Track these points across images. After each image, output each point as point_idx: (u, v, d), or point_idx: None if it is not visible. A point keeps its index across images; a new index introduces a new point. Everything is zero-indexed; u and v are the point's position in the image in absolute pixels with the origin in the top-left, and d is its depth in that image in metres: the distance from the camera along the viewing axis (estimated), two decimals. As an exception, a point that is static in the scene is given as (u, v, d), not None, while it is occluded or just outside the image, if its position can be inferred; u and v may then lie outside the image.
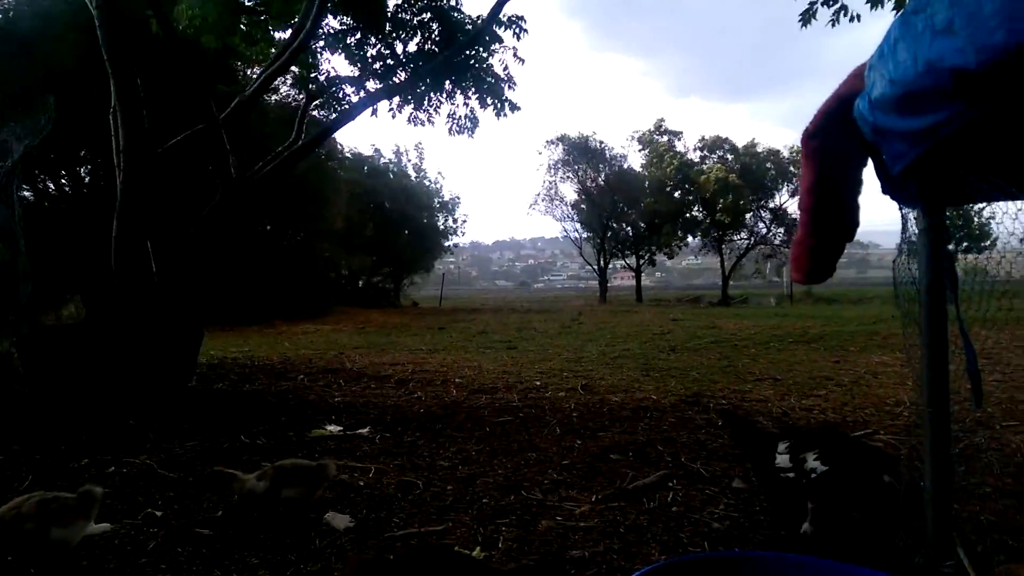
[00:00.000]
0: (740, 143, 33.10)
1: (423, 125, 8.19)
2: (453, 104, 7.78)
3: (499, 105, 7.62)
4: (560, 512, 3.16)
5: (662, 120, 34.83)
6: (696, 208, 33.14)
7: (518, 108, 7.67)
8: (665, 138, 33.82)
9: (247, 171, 6.90)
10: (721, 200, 31.06)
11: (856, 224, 1.76)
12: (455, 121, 8.51)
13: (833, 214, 1.72)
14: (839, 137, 1.59)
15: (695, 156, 33.50)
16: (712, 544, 2.73)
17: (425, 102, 7.56)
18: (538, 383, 7.00)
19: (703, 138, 33.60)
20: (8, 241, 6.45)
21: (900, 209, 1.81)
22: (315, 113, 10.58)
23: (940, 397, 1.75)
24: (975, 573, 1.88)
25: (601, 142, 33.78)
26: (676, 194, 33.18)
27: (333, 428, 5.01)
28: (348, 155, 27.70)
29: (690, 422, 4.96)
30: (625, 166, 34.38)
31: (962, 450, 2.82)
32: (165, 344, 5.81)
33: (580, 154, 33.54)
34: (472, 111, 7.98)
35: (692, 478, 3.65)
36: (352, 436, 4.79)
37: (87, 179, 16.74)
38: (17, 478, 3.69)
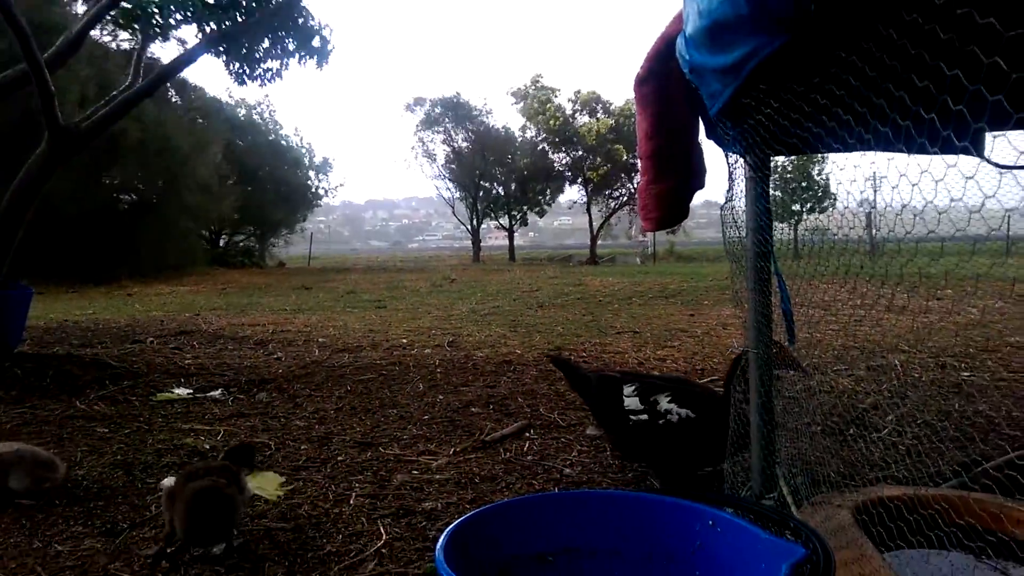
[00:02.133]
0: (617, 103, 33.52)
1: (244, 83, 7.69)
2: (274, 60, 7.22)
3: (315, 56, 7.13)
4: (416, 466, 3.13)
5: (539, 76, 34.78)
6: (568, 167, 33.53)
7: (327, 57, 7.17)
8: (543, 93, 33.77)
9: (79, 118, 6.27)
10: (598, 158, 31.66)
11: (703, 168, 1.79)
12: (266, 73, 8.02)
13: (675, 158, 1.74)
14: (670, 80, 1.60)
15: (569, 110, 33.54)
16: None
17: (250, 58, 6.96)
18: (404, 341, 6.92)
19: (578, 92, 33.73)
20: None
21: (725, 157, 1.86)
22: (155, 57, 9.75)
23: (764, 338, 1.84)
24: (794, 502, 2.01)
25: (467, 101, 33.49)
26: (550, 153, 33.47)
27: (182, 391, 4.73)
28: (209, 105, 25.91)
29: (551, 374, 5.06)
30: (497, 124, 34.30)
31: (796, 393, 3.02)
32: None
33: (446, 112, 33.10)
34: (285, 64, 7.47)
35: (549, 427, 3.73)
36: (203, 399, 4.54)
37: None
38: None
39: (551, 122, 32.31)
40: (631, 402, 2.77)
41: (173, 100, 19.89)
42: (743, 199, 1.80)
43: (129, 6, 5.88)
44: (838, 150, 1.69)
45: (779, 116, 1.40)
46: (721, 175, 2.13)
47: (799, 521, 1.22)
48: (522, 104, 33.86)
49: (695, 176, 1.92)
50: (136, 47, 6.59)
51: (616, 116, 32.40)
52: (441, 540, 1.16)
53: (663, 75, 1.61)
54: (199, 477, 2.18)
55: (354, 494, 2.78)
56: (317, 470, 3.09)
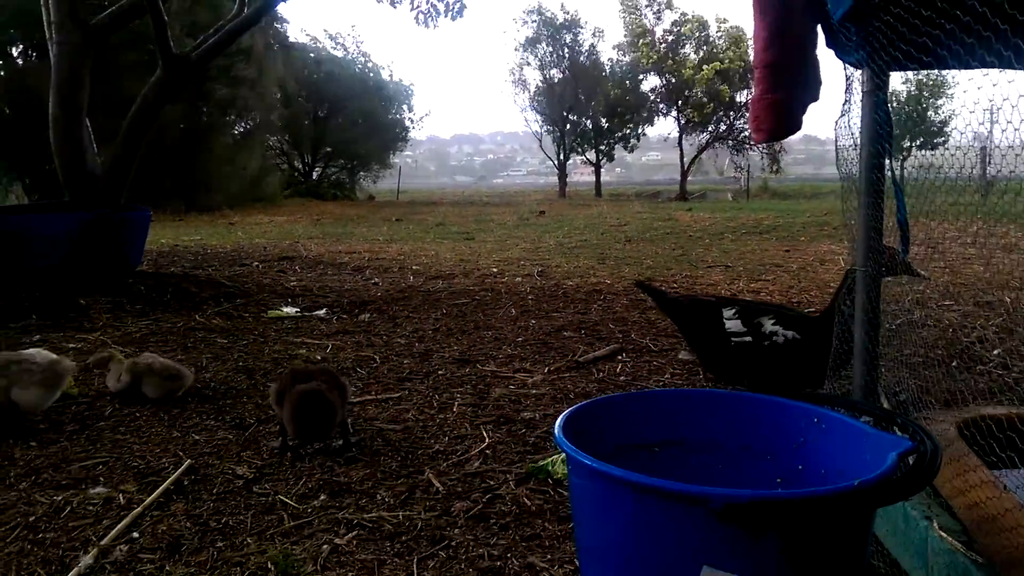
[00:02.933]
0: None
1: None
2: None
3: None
4: (513, 382, 3.27)
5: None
6: (662, 96, 32.32)
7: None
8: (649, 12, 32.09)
9: (190, 48, 6.54)
10: (704, 96, 30.44)
11: (819, 80, 1.76)
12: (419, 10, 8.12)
13: (791, 68, 1.72)
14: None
15: (667, 38, 31.98)
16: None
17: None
18: (495, 270, 7.06)
19: (678, 19, 32.07)
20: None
21: (844, 68, 1.82)
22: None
23: (874, 253, 1.82)
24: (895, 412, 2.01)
25: (576, 17, 32.42)
26: (645, 80, 32.37)
27: (290, 310, 5.02)
28: (303, 39, 26.40)
29: (642, 303, 5.09)
30: (594, 47, 33.17)
31: (899, 326, 2.96)
32: (110, 225, 5.66)
33: (551, 34, 32.25)
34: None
35: (641, 352, 3.79)
36: (309, 317, 4.82)
37: (19, 59, 15.72)
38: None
39: (644, 60, 30.98)
40: (733, 324, 2.78)
41: (269, 34, 20.28)
42: (859, 112, 1.77)
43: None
44: (964, 65, 1.62)
45: (908, 16, 1.36)
46: (828, 98, 2.08)
47: (907, 418, 1.25)
48: (627, 18, 32.35)
49: (810, 88, 1.87)
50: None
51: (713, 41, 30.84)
52: (560, 420, 1.26)
53: (785, -20, 1.58)
54: (304, 380, 2.37)
55: (456, 403, 2.94)
56: (420, 382, 3.28)
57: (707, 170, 44.74)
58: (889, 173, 1.72)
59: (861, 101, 1.80)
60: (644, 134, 34.60)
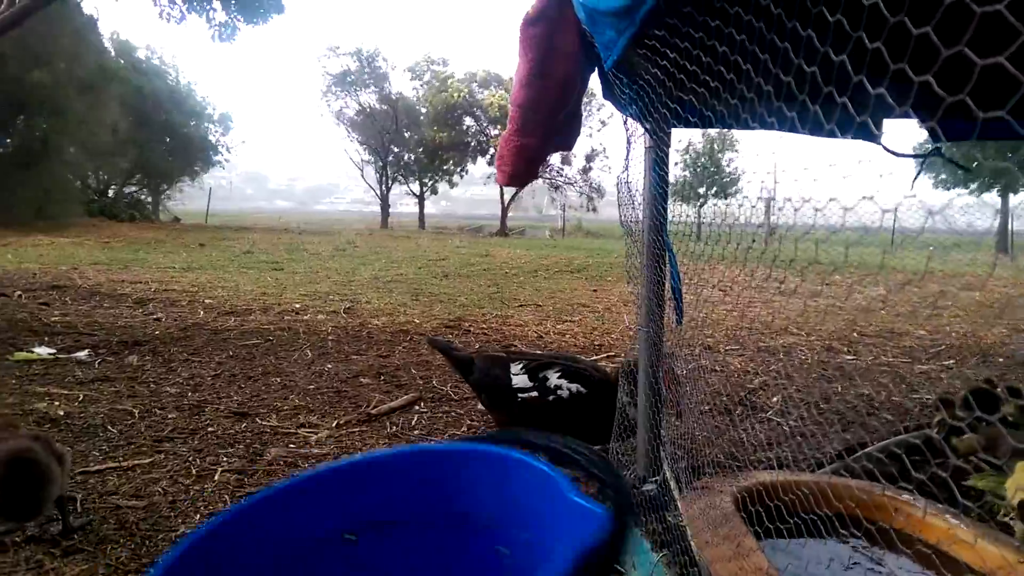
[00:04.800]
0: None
1: (176, 21, 7.18)
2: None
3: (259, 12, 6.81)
4: (294, 439, 2.94)
5: (431, 56, 33.98)
6: (478, 136, 33.18)
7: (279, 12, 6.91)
8: (445, 68, 33.18)
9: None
10: (499, 127, 31.47)
11: (576, 130, 1.67)
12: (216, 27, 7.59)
13: (547, 112, 1.61)
14: (560, 26, 1.47)
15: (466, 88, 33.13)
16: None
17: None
18: (298, 306, 6.62)
19: (475, 74, 33.32)
20: None
21: (624, 123, 1.76)
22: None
23: (655, 315, 1.77)
24: (677, 486, 1.96)
25: (385, 59, 32.57)
26: (460, 123, 32.98)
27: (43, 351, 4.32)
28: (108, 46, 24.03)
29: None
30: (403, 92, 33.52)
31: (689, 371, 3.01)
32: None
33: (361, 70, 32.09)
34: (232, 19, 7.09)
35: (440, 400, 3.61)
36: (66, 360, 4.16)
37: None
38: None
39: (455, 96, 31.75)
40: (519, 380, 2.69)
41: (65, 37, 18.26)
42: (639, 168, 1.71)
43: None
44: (743, 125, 1.61)
45: (676, 71, 1.29)
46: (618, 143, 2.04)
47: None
48: (420, 82, 33.29)
49: (563, 136, 1.79)
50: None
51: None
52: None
53: (554, 20, 1.47)
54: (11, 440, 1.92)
55: (220, 469, 2.57)
56: (183, 442, 2.85)
57: (526, 207, 46.30)
58: (665, 239, 1.67)
59: (644, 157, 1.75)
60: (466, 171, 35.17)
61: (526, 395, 2.67)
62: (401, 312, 6.46)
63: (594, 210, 34.74)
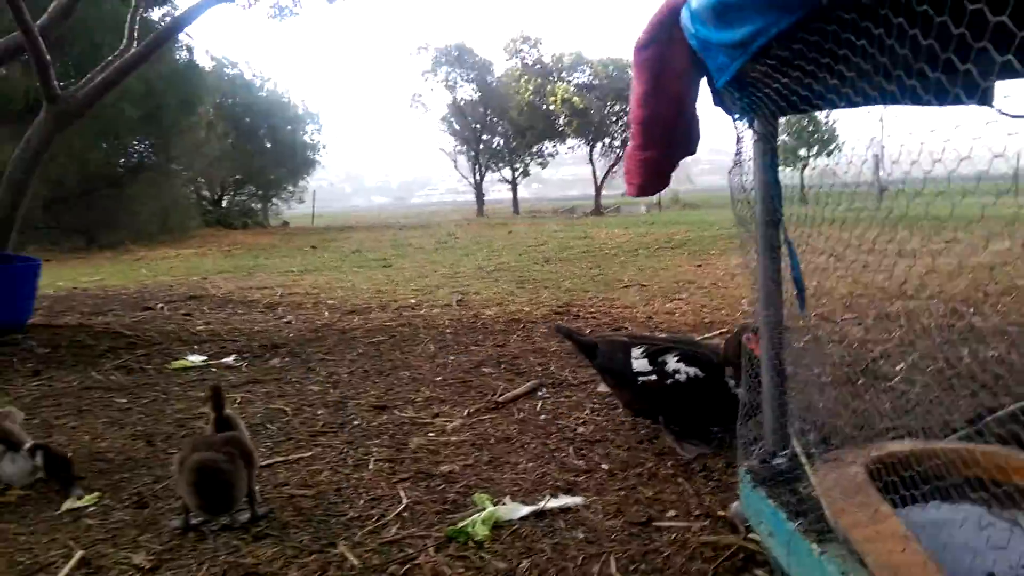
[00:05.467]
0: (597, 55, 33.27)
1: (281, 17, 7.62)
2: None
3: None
4: (432, 428, 3.18)
5: (526, 33, 34.19)
6: (563, 119, 33.23)
7: None
8: (531, 48, 33.28)
9: (76, 87, 6.19)
10: (572, 120, 31.58)
11: (696, 136, 1.78)
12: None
13: (665, 127, 1.73)
14: (671, 48, 1.58)
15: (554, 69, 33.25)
16: (577, 448, 2.85)
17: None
18: (413, 301, 6.95)
19: (561, 57, 33.32)
20: None
21: (733, 122, 1.85)
22: (153, 17, 9.55)
23: (774, 301, 1.85)
24: (807, 460, 2.04)
25: (471, 49, 32.99)
26: (544, 106, 33.09)
27: (196, 358, 4.78)
28: (209, 64, 25.53)
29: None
30: (495, 75, 33.82)
31: (805, 343, 3.04)
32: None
33: (451, 63, 32.65)
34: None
35: (560, 386, 3.77)
36: (216, 366, 4.60)
37: None
38: None
39: (524, 91, 32.03)
40: (639, 364, 2.81)
41: (167, 60, 19.55)
42: (751, 165, 1.79)
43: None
44: (849, 106, 1.67)
45: (789, 81, 1.38)
46: (724, 131, 2.11)
47: None
48: (514, 61, 33.54)
49: (684, 146, 1.90)
50: (131, 8, 6.46)
51: (600, 69, 32.23)
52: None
53: (664, 42, 1.58)
54: (205, 448, 2.23)
55: (372, 459, 2.83)
56: (335, 435, 3.15)
57: (618, 183, 45.76)
58: (782, 233, 1.75)
59: (752, 149, 1.83)
60: (556, 152, 35.22)
61: (645, 379, 2.80)
62: (510, 301, 6.67)
63: (689, 180, 34.01)
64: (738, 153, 1.84)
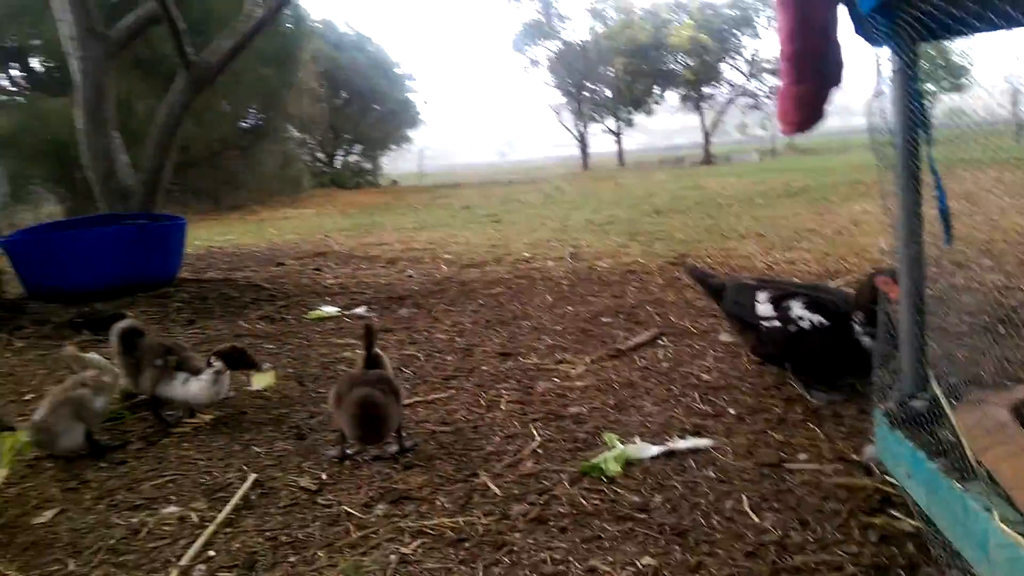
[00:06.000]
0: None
1: None
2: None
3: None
4: (556, 374, 3.31)
5: None
6: (672, 62, 32.15)
7: None
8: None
9: (202, 51, 6.60)
10: (692, 60, 30.38)
11: (841, 66, 1.76)
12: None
13: (816, 59, 1.72)
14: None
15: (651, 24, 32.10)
16: (703, 394, 2.89)
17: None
18: (527, 254, 7.09)
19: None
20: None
21: (874, 49, 1.81)
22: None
23: (914, 239, 1.82)
24: (947, 402, 2.02)
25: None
26: (650, 52, 32.11)
27: (330, 309, 5.10)
28: (316, 25, 26.34)
29: (677, 282, 5.09)
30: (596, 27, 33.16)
31: (940, 290, 2.93)
32: (149, 236, 5.79)
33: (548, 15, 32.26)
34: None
35: (681, 335, 3.80)
36: (350, 316, 4.90)
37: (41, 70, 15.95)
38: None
39: (640, 36, 30.94)
40: (764, 308, 2.80)
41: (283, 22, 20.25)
42: (890, 94, 1.76)
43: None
44: (993, 29, 1.62)
45: (933, 5, 1.34)
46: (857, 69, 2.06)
47: None
48: (600, 23, 32.68)
49: (834, 76, 1.88)
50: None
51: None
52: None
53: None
54: (361, 384, 2.43)
55: (503, 400, 2.99)
56: (466, 379, 3.33)
57: (728, 130, 44.01)
58: (930, 161, 1.72)
59: (891, 80, 1.79)
60: (661, 99, 34.22)
61: (768, 324, 2.79)
62: (623, 253, 6.69)
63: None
64: (878, 84, 1.80)
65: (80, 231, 6.01)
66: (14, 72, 15.76)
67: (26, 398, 3.43)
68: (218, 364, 2.87)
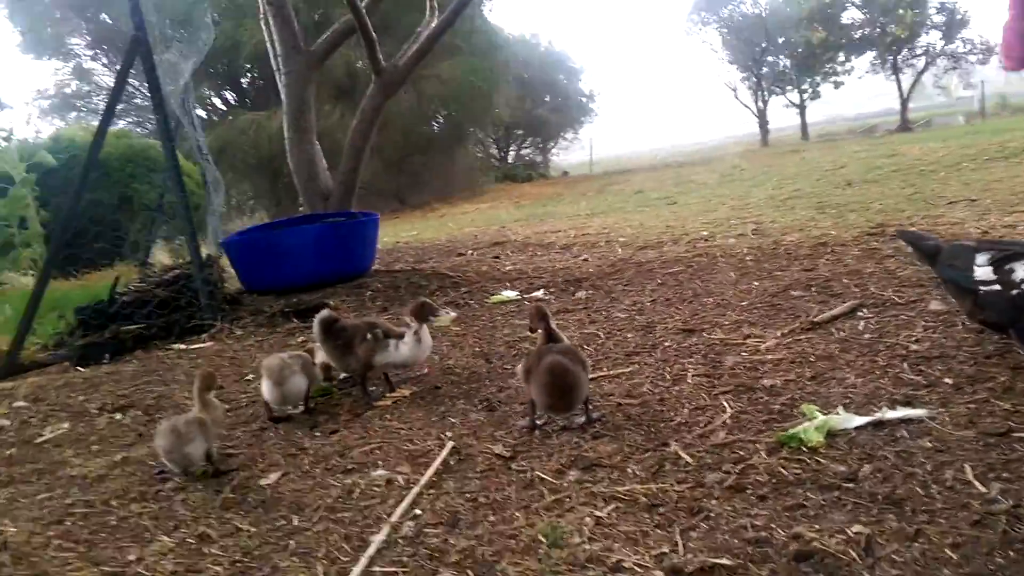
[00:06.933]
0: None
1: None
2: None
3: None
4: (745, 348, 3.18)
5: None
6: (867, 24, 29.51)
7: None
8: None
9: (395, 58, 7.01)
10: (900, 9, 27.64)
11: None
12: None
13: None
14: None
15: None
16: (912, 364, 2.65)
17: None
18: (704, 233, 6.86)
19: None
20: (196, 156, 7.11)
21: None
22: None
23: None
24: None
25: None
26: (838, 18, 29.72)
27: (510, 294, 5.25)
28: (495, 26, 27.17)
29: (876, 252, 4.70)
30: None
31: None
32: (348, 232, 6.26)
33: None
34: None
35: (884, 306, 3.51)
36: (529, 299, 5.01)
37: (250, 90, 17.82)
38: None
39: None
40: (983, 272, 2.51)
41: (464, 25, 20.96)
42: None
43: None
44: None
45: None
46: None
47: None
48: None
49: None
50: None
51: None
52: None
53: None
54: (549, 355, 2.48)
55: (689, 374, 2.92)
56: (648, 355, 3.29)
57: (928, 94, 39.75)
58: None
59: None
60: (852, 68, 31.59)
61: (988, 288, 2.49)
62: (812, 226, 6.28)
63: (1021, 79, 28.57)
64: None
65: (288, 230, 6.63)
66: (228, 94, 17.73)
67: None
68: (414, 323, 3.07)
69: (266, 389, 3.00)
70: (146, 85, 5.23)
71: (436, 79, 17.50)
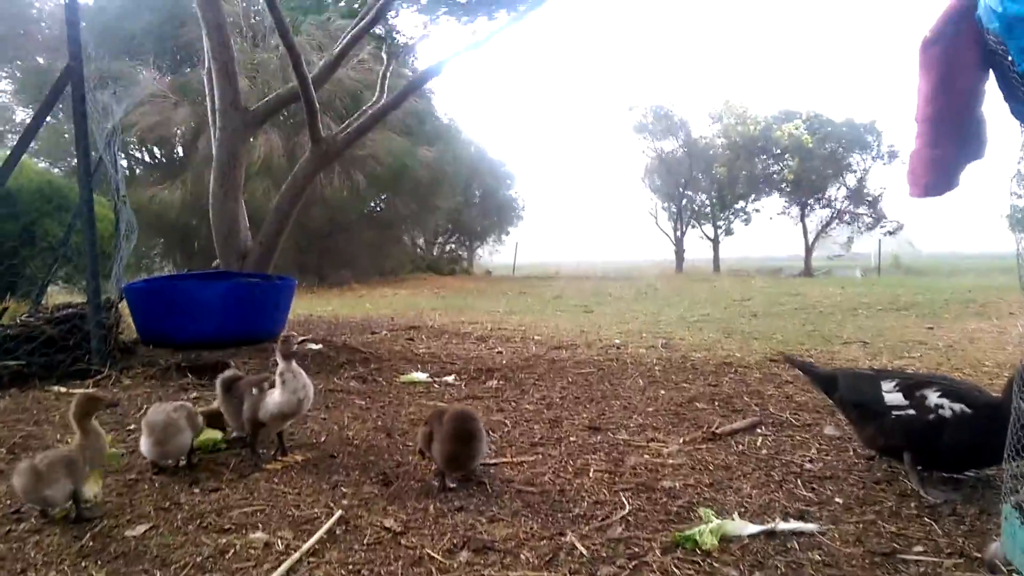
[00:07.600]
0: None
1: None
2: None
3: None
4: (648, 451, 3.20)
5: (728, 100, 33.82)
6: (778, 167, 32.12)
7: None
8: (741, 107, 32.89)
9: (336, 131, 7.08)
10: (795, 158, 30.45)
11: (983, 139, 1.71)
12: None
13: (954, 124, 1.68)
14: (958, 43, 1.55)
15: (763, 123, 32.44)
16: (806, 482, 2.72)
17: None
18: (617, 341, 7.01)
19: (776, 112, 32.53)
20: (112, 197, 6.85)
21: (1021, 124, 1.74)
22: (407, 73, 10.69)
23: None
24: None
25: (671, 111, 33.22)
26: (757, 157, 32.23)
27: (420, 375, 5.16)
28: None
29: (777, 377, 4.89)
30: (695, 135, 33.71)
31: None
32: (261, 292, 6.08)
33: (657, 119, 33.06)
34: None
35: (781, 425, 3.62)
36: (439, 383, 4.94)
37: (180, 145, 17.54)
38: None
39: (752, 128, 31.32)
40: (893, 397, 2.65)
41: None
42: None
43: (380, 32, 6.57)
44: None
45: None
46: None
47: None
48: (719, 125, 33.24)
49: (974, 147, 1.82)
50: (382, 66, 7.32)
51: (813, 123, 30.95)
52: None
53: (952, 37, 1.57)
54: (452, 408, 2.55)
55: (592, 469, 2.90)
56: (553, 447, 3.26)
57: (829, 245, 42.85)
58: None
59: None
60: (761, 209, 34.01)
61: (902, 412, 2.62)
62: (718, 347, 6.52)
63: (911, 244, 31.34)
64: (1021, 160, 1.74)
65: (197, 283, 6.37)
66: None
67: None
68: (281, 362, 2.98)
69: (145, 446, 2.80)
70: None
71: (373, 159, 17.67)
